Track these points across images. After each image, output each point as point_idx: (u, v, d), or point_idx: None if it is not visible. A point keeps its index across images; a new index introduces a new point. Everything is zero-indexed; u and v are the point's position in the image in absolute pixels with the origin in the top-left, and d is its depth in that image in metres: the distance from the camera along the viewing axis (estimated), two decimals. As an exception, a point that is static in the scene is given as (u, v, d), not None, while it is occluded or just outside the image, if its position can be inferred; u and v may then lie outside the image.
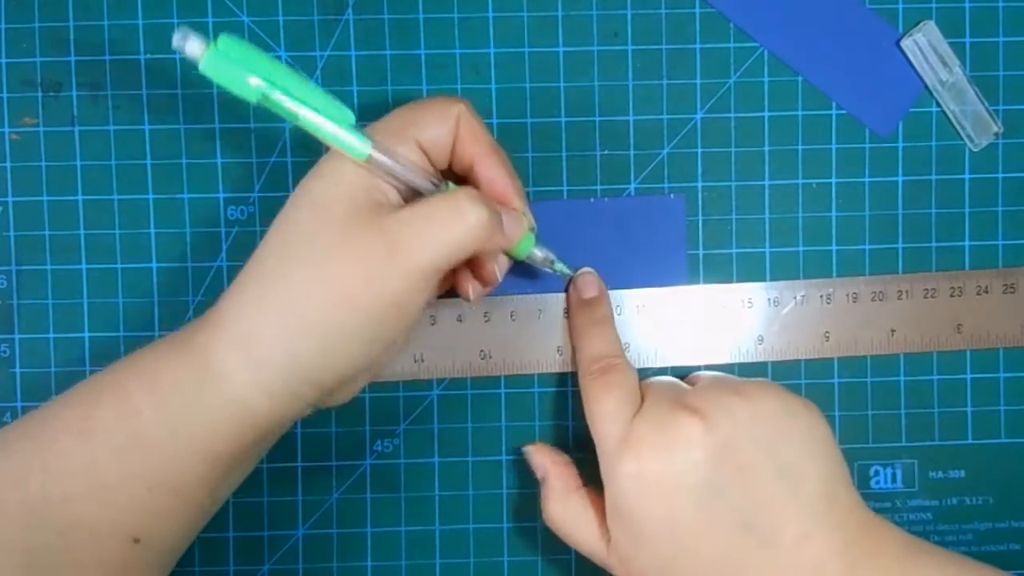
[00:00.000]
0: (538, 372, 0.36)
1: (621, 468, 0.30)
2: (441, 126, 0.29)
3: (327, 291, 0.27)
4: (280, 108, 0.27)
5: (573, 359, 0.36)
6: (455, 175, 0.31)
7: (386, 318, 0.28)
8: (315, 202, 0.28)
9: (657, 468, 0.29)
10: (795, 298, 0.36)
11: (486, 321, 0.36)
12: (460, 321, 0.36)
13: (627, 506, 0.30)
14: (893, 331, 0.36)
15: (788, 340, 0.36)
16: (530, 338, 0.36)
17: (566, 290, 0.36)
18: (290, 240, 0.28)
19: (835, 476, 0.30)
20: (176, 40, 0.24)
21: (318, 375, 0.28)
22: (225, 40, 0.26)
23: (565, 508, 0.33)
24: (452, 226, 0.27)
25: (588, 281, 0.36)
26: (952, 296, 0.36)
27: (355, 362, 0.28)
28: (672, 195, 0.36)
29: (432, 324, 0.36)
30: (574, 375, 0.36)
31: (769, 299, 0.36)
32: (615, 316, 0.36)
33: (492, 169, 0.30)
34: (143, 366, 0.29)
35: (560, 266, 0.34)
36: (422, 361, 0.36)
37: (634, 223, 0.36)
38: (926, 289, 0.36)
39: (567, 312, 0.36)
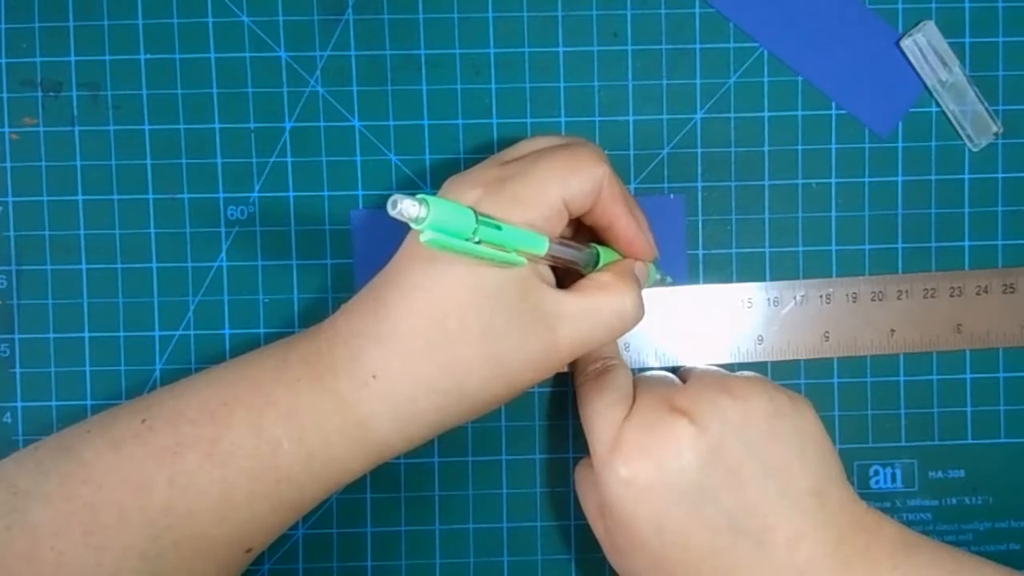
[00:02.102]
0: None
1: (612, 472, 0.30)
2: (588, 193, 0.29)
3: (492, 371, 0.28)
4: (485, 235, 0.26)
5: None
6: (581, 222, 0.32)
7: (532, 386, 0.30)
8: (484, 285, 0.28)
9: (647, 472, 0.29)
10: (795, 298, 0.36)
11: None
12: None
13: (618, 509, 0.30)
14: (893, 331, 0.36)
15: (788, 340, 0.36)
16: None
17: None
18: (452, 313, 0.28)
19: (826, 474, 0.30)
20: (390, 207, 0.24)
21: (455, 423, 0.30)
22: (431, 199, 0.25)
23: (583, 477, 0.34)
24: (614, 328, 0.30)
25: None
26: (952, 296, 0.36)
27: (488, 412, 0.30)
28: (672, 195, 0.36)
29: None
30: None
31: (769, 299, 0.36)
32: None
33: (631, 230, 0.31)
34: (276, 396, 0.29)
35: (669, 279, 0.35)
36: None
37: None
38: (926, 289, 0.36)
39: None
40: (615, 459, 0.30)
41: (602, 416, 0.31)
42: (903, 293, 0.36)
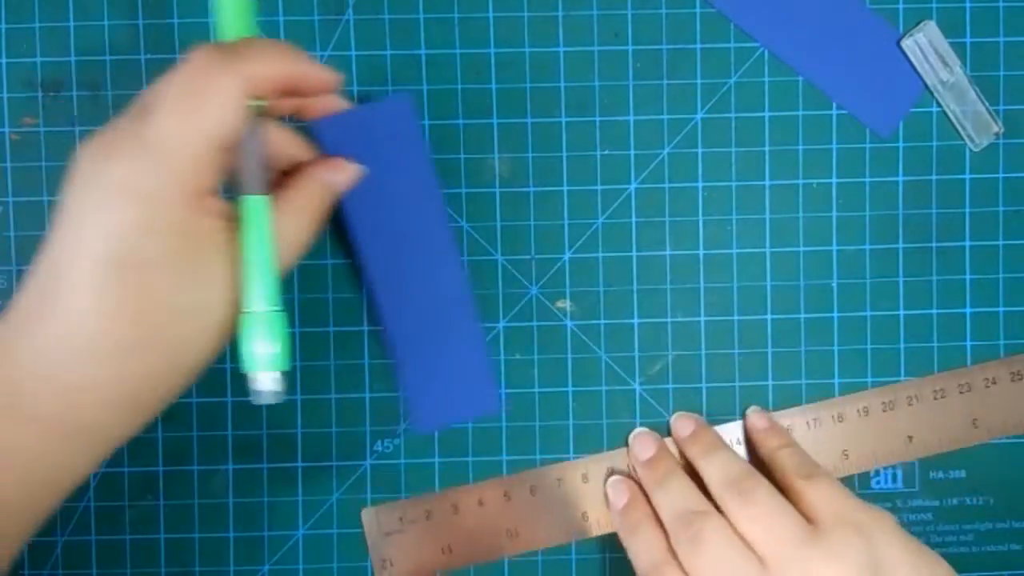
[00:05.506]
0: (567, 541, 0.36)
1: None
2: (229, 125, 0.27)
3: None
4: None
5: (604, 520, 0.36)
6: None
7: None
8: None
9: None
10: (807, 423, 0.36)
11: (507, 500, 0.36)
12: (481, 505, 0.36)
13: None
14: (911, 438, 0.36)
15: None
16: (554, 509, 0.36)
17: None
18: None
19: None
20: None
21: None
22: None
23: None
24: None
25: (642, 442, 0.36)
26: (961, 393, 0.36)
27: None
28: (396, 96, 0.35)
29: (455, 513, 0.36)
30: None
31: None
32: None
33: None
34: None
35: None
36: (450, 552, 0.36)
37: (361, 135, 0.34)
38: (935, 391, 0.36)
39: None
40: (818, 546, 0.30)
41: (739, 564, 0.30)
42: (912, 399, 0.36)
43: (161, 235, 0.26)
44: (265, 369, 0.29)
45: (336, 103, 0.32)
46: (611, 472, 0.36)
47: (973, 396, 0.36)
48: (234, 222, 0.28)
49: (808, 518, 0.31)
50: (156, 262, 0.26)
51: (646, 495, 0.35)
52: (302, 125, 0.33)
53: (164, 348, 0.27)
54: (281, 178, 0.31)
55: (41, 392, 0.26)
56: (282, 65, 0.28)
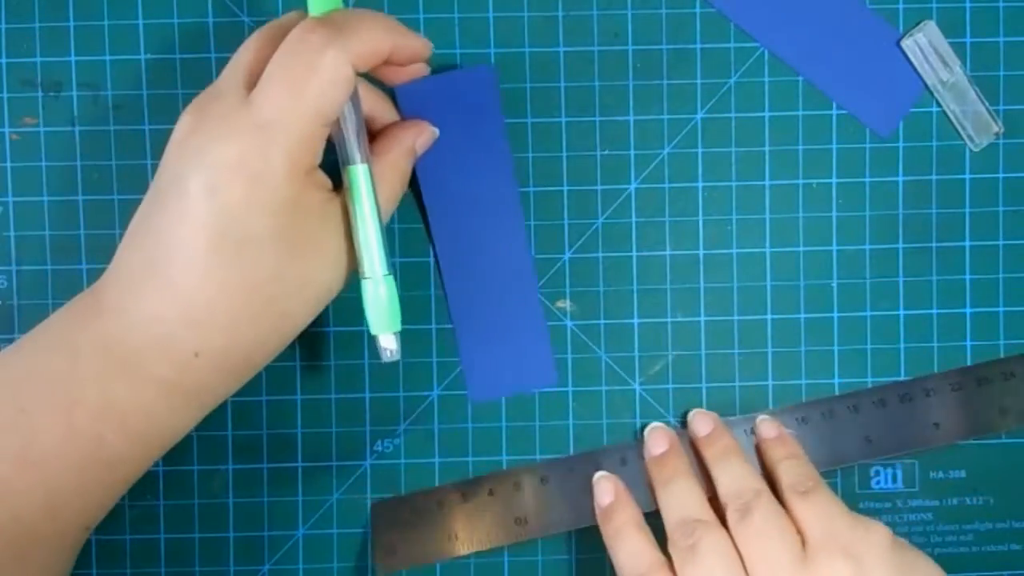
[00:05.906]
0: (577, 527, 0.36)
1: None
2: (340, 101, 0.28)
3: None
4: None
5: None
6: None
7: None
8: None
9: None
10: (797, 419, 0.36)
11: (517, 489, 0.36)
12: (491, 495, 0.36)
13: None
14: (937, 425, 0.36)
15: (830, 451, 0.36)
16: (564, 497, 0.36)
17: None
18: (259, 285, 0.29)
19: None
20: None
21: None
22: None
23: None
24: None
25: (655, 437, 0.35)
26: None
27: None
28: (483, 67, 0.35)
29: (464, 501, 0.36)
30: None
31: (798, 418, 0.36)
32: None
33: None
34: (82, 395, 0.27)
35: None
36: (456, 538, 0.36)
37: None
38: (957, 382, 0.36)
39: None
40: None
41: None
42: (932, 390, 0.36)
43: (272, 212, 0.27)
44: (388, 331, 0.30)
45: (422, 70, 0.32)
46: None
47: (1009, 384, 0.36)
48: (334, 192, 0.29)
49: (802, 538, 0.31)
50: (268, 237, 0.27)
51: (646, 493, 0.35)
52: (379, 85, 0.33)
53: (274, 318, 0.28)
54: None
55: (157, 356, 0.27)
56: (387, 37, 0.29)
